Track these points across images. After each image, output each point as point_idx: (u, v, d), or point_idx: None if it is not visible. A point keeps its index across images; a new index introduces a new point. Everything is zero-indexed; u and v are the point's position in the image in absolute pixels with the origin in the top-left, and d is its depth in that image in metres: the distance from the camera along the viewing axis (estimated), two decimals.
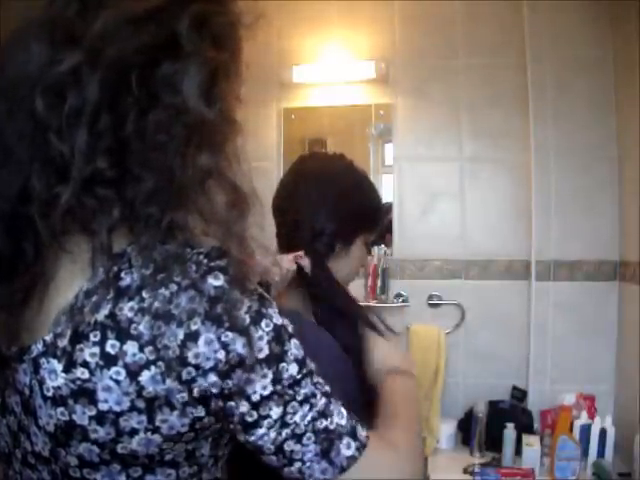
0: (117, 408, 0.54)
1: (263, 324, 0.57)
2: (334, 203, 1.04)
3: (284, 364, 0.58)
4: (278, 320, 0.59)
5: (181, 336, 0.53)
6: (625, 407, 2.09)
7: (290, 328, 0.60)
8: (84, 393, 0.54)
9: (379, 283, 2.36)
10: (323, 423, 0.60)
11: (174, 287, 0.54)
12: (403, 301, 2.38)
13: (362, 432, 0.63)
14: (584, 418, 2.00)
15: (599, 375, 2.21)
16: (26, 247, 0.57)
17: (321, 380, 0.62)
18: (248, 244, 0.59)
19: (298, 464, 0.60)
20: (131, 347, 0.53)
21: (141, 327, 0.53)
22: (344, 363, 0.94)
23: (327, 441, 0.60)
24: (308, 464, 0.60)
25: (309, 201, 1.04)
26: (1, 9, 1.34)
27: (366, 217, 1.10)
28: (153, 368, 0.53)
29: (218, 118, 0.58)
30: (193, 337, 0.53)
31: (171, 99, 0.55)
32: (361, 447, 0.62)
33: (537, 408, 2.18)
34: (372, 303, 2.33)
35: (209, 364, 0.54)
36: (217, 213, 0.58)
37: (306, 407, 0.59)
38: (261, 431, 0.58)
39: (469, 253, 2.35)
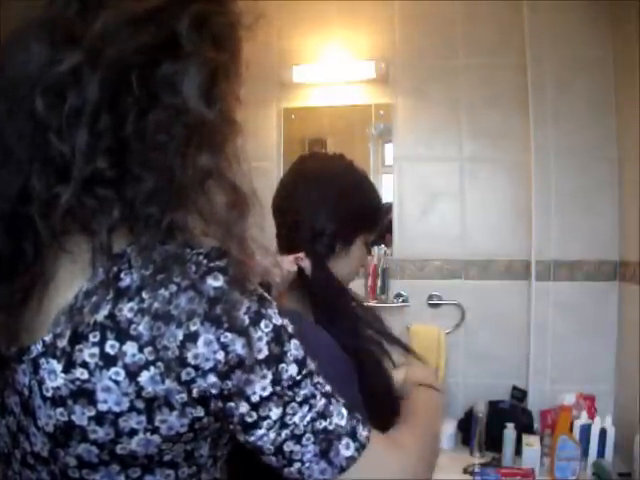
0: (116, 408, 0.54)
1: (262, 325, 0.57)
2: (334, 203, 1.04)
3: (283, 365, 0.58)
4: (278, 321, 0.59)
5: (180, 337, 0.53)
6: (625, 407, 2.09)
7: (290, 328, 0.60)
8: (83, 394, 0.54)
9: (379, 283, 2.36)
10: (322, 424, 0.60)
11: (174, 288, 0.54)
12: (403, 301, 2.38)
13: (362, 432, 0.62)
14: (584, 418, 2.00)
15: (599, 375, 2.21)
16: (26, 247, 0.57)
17: (321, 380, 0.62)
18: (248, 245, 0.59)
19: (297, 464, 0.60)
20: (130, 348, 0.53)
21: (141, 328, 0.53)
22: (344, 363, 0.94)
23: (326, 442, 0.60)
24: (307, 464, 0.60)
25: (309, 201, 1.04)
26: (1, 9, 1.34)
27: (366, 217, 1.10)
28: (152, 369, 0.53)
29: (218, 118, 0.58)
30: (192, 338, 0.53)
31: (171, 99, 0.55)
32: (360, 448, 0.61)
33: (537, 408, 2.18)
34: (372, 303, 2.33)
35: (208, 365, 0.54)
36: (217, 213, 0.58)
37: (305, 408, 0.59)
38: (261, 432, 0.58)
39: (469, 253, 2.35)
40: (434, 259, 2.37)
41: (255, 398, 0.57)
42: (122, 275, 0.55)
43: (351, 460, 0.61)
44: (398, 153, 2.42)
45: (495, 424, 2.05)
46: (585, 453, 1.94)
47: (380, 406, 0.89)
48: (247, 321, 0.56)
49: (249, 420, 0.58)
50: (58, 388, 0.55)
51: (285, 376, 0.58)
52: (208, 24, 0.58)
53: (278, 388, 0.57)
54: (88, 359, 0.54)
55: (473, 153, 2.35)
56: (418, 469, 0.68)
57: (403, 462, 0.66)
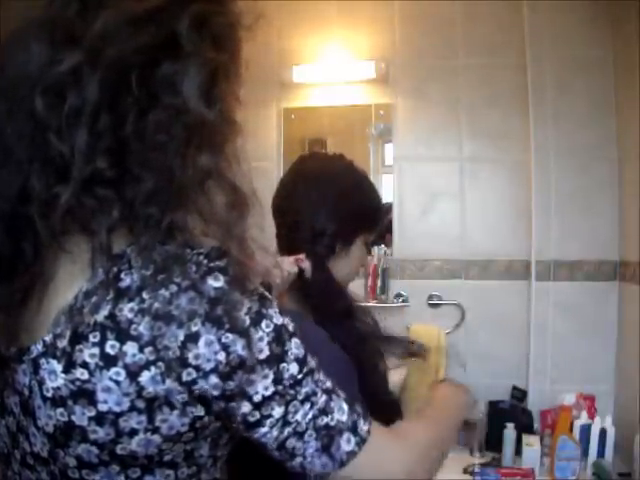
0: (117, 409, 0.54)
1: (263, 325, 0.57)
2: (334, 203, 1.04)
3: (285, 364, 0.58)
4: (278, 320, 0.59)
5: (181, 337, 0.53)
6: (625, 407, 2.08)
7: (291, 327, 0.60)
8: (84, 394, 0.54)
9: (379, 283, 2.36)
10: (324, 420, 0.61)
11: (174, 288, 0.54)
12: (403, 301, 2.38)
13: (363, 427, 0.63)
14: (584, 418, 2.00)
15: (599, 375, 2.21)
16: (25, 247, 0.57)
17: (322, 377, 0.62)
18: (248, 245, 0.59)
19: (299, 459, 0.61)
20: (131, 348, 0.53)
21: (141, 328, 0.53)
22: (345, 363, 0.94)
23: (327, 437, 0.61)
24: (309, 459, 0.61)
25: (309, 201, 1.04)
26: (1, 9, 1.34)
27: (366, 217, 1.10)
28: (153, 368, 0.54)
29: (218, 119, 0.58)
30: (193, 338, 0.53)
31: (171, 99, 0.55)
32: (361, 442, 0.63)
33: (537, 408, 2.17)
34: (372, 303, 2.33)
35: (209, 365, 0.54)
36: (217, 214, 0.58)
37: (307, 405, 0.60)
38: (264, 430, 0.59)
39: (469, 253, 2.35)
40: (434, 259, 2.37)
41: (257, 398, 0.57)
42: (122, 275, 0.55)
43: (351, 454, 0.62)
44: (398, 153, 2.41)
45: (495, 424, 2.05)
46: (585, 453, 1.94)
47: (379, 406, 0.89)
48: (248, 321, 0.56)
49: (252, 419, 0.58)
50: (58, 388, 0.55)
51: (286, 375, 0.58)
52: (208, 24, 0.58)
53: (280, 387, 0.58)
54: (88, 359, 0.54)
55: (473, 153, 2.35)
56: (422, 462, 0.69)
57: (406, 455, 0.67)
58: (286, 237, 1.06)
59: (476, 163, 2.35)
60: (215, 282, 0.55)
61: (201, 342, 0.54)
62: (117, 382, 0.54)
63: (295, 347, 0.60)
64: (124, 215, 0.56)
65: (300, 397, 0.59)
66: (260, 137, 2.39)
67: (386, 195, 2.38)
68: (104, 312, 0.54)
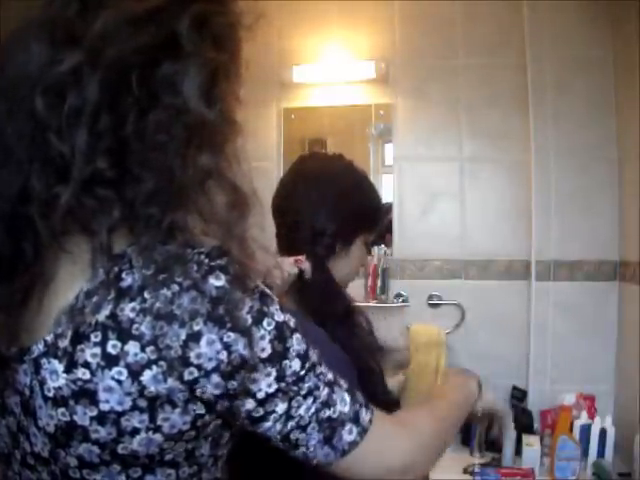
0: (119, 408, 0.54)
1: (265, 323, 0.58)
2: (334, 203, 1.04)
3: (287, 361, 0.59)
4: (280, 317, 0.59)
5: (183, 336, 0.53)
6: (625, 407, 2.08)
7: (292, 323, 0.61)
8: (85, 394, 0.54)
9: (379, 283, 2.36)
10: (326, 413, 0.62)
11: (176, 287, 0.54)
12: (403, 301, 2.38)
13: (365, 417, 0.65)
14: (584, 418, 2.00)
15: (599, 375, 2.21)
16: (26, 247, 0.57)
17: (324, 369, 0.64)
18: (248, 245, 0.59)
19: (302, 449, 0.63)
20: (132, 347, 0.53)
21: (143, 327, 0.53)
22: (345, 364, 0.94)
23: (330, 429, 0.63)
24: (312, 449, 0.63)
25: (309, 201, 1.04)
26: (1, 9, 1.34)
27: (366, 217, 1.10)
28: (155, 367, 0.54)
29: (218, 119, 0.58)
30: (195, 337, 0.54)
31: (171, 99, 0.55)
32: (363, 432, 0.64)
33: (537, 408, 2.18)
34: (372, 303, 2.33)
35: (211, 365, 0.55)
36: (217, 214, 0.58)
37: (310, 400, 0.61)
38: (267, 424, 0.60)
39: (469, 253, 2.35)
40: (434, 259, 2.37)
41: (261, 395, 0.58)
42: (123, 275, 0.56)
43: (353, 444, 0.64)
44: (398, 153, 2.41)
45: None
46: (585, 453, 1.94)
47: (379, 407, 0.89)
48: (250, 320, 0.56)
49: (256, 415, 0.60)
50: (60, 388, 0.55)
51: (289, 372, 0.59)
52: (208, 24, 0.58)
53: (283, 384, 0.59)
54: (90, 359, 0.54)
55: (473, 153, 2.35)
56: (424, 452, 0.71)
57: (407, 444, 0.69)
58: (286, 237, 1.06)
59: (476, 163, 2.35)
60: (216, 281, 0.55)
61: (203, 341, 0.54)
62: (119, 381, 0.54)
63: (297, 343, 0.60)
64: (124, 215, 0.56)
65: (303, 392, 0.61)
66: (260, 137, 2.39)
67: (386, 195, 2.38)
68: (105, 312, 0.54)
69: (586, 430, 1.97)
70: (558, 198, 2.23)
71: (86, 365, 0.54)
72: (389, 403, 1.01)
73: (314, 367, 0.62)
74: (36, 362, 0.57)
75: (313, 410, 0.61)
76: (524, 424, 2.07)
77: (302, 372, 0.60)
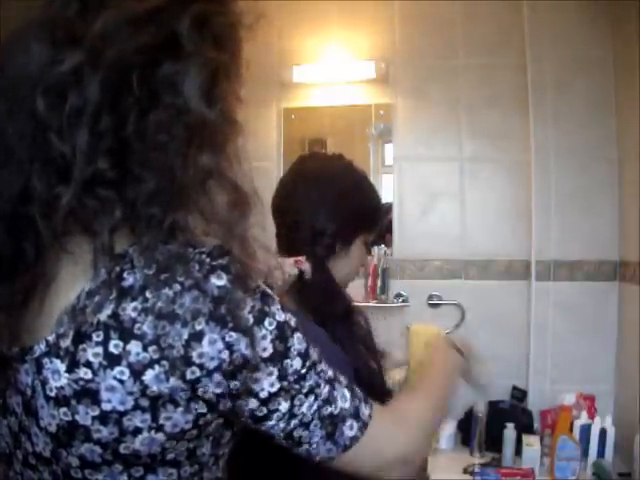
0: (121, 408, 0.54)
1: (266, 323, 0.58)
2: (334, 203, 1.04)
3: (288, 360, 0.60)
4: (281, 317, 0.60)
5: (185, 336, 0.54)
6: (625, 407, 2.09)
7: (293, 322, 0.61)
8: (87, 393, 0.55)
9: (379, 283, 2.36)
10: (328, 410, 0.63)
11: (177, 287, 0.54)
12: (403, 301, 2.38)
13: (365, 412, 0.66)
14: (584, 418, 2.00)
15: (599, 375, 2.21)
16: (27, 248, 0.57)
17: (324, 367, 0.64)
18: (250, 244, 0.59)
19: (306, 446, 0.64)
20: (135, 347, 0.53)
21: (145, 327, 0.53)
22: (345, 364, 0.94)
23: (332, 425, 0.64)
24: (315, 446, 0.64)
25: (309, 201, 1.04)
26: (1, 9, 1.34)
27: (366, 217, 1.10)
28: (157, 367, 0.54)
29: (219, 118, 0.58)
30: (197, 337, 0.54)
31: (172, 99, 0.55)
32: (363, 427, 0.66)
33: (537, 408, 2.18)
34: (372, 303, 2.33)
35: (213, 364, 0.55)
36: (218, 213, 0.58)
37: (312, 397, 0.62)
38: (271, 423, 0.61)
39: (469, 253, 2.35)
40: (434, 259, 2.37)
41: (264, 394, 0.59)
42: (125, 275, 0.56)
43: (355, 439, 0.65)
44: (398, 153, 2.42)
45: (495, 424, 2.05)
46: (585, 453, 1.94)
47: None
48: (251, 320, 0.57)
49: (259, 414, 0.60)
50: (62, 388, 0.55)
51: (290, 371, 0.60)
52: (209, 24, 0.58)
53: (285, 383, 0.60)
54: (92, 359, 0.54)
55: (473, 153, 2.35)
56: (420, 441, 0.73)
57: (404, 437, 0.71)
58: (286, 237, 1.06)
59: (476, 163, 2.35)
60: (218, 280, 0.55)
61: (205, 341, 0.54)
62: (121, 381, 0.54)
63: (298, 342, 0.61)
64: (126, 215, 0.56)
65: (304, 390, 0.61)
66: (260, 137, 2.40)
67: (386, 195, 2.38)
68: (107, 311, 0.54)
69: (586, 430, 1.97)
70: (558, 198, 2.23)
71: (88, 365, 0.54)
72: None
73: (315, 365, 0.63)
74: (38, 362, 0.57)
75: (315, 407, 0.62)
76: (524, 424, 2.07)
77: (303, 370, 0.61)
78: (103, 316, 0.54)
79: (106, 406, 0.54)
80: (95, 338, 0.54)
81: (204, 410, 0.57)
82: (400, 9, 2.37)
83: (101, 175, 0.54)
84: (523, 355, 2.29)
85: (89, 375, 0.54)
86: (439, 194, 2.38)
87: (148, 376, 0.54)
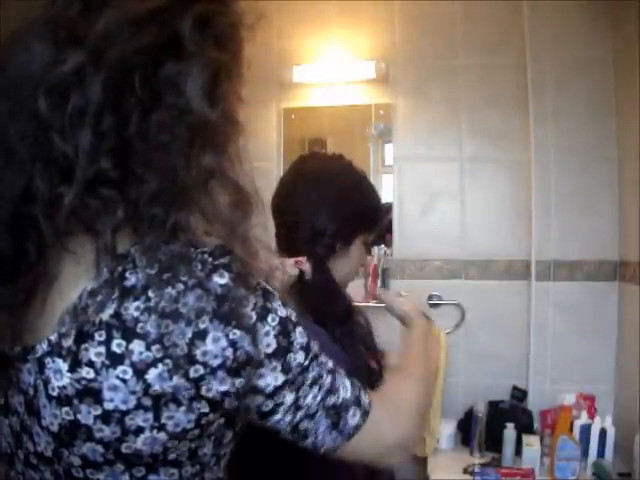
0: (123, 407, 0.55)
1: (269, 319, 0.58)
2: (334, 203, 1.04)
3: (291, 354, 0.61)
4: (283, 312, 0.60)
5: (189, 334, 0.54)
6: (625, 407, 2.09)
7: (294, 317, 0.62)
8: (89, 393, 0.55)
9: (379, 283, 2.36)
10: (331, 399, 0.65)
11: (181, 286, 0.54)
12: None
13: (365, 400, 0.68)
14: (584, 418, 2.00)
15: (599, 375, 2.21)
16: (29, 247, 0.57)
17: (324, 358, 0.65)
18: (252, 244, 0.60)
19: (311, 438, 0.65)
20: (137, 346, 0.54)
21: (147, 326, 0.53)
22: (346, 365, 0.94)
23: (336, 415, 0.65)
24: (320, 437, 0.65)
25: (309, 201, 1.04)
26: (1, 9, 1.34)
27: (366, 217, 1.10)
28: (160, 366, 0.54)
29: (221, 119, 0.58)
30: (201, 335, 0.54)
31: (174, 99, 0.55)
32: (365, 414, 0.67)
33: (537, 408, 2.18)
34: (372, 303, 2.33)
35: (217, 362, 0.55)
36: (220, 213, 0.58)
37: (315, 388, 0.63)
38: (277, 417, 0.62)
39: (469, 253, 2.35)
40: (434, 259, 2.37)
41: (269, 389, 0.60)
42: (127, 274, 0.56)
43: (358, 428, 0.67)
44: (398, 153, 2.42)
45: (495, 424, 2.05)
46: (585, 453, 1.94)
47: None
48: (254, 317, 0.57)
49: (265, 409, 0.61)
50: (64, 387, 0.55)
51: (294, 364, 0.61)
52: (210, 24, 0.58)
53: (289, 376, 0.60)
54: (94, 358, 0.54)
55: (473, 153, 2.35)
56: (413, 424, 0.75)
57: (398, 422, 0.72)
58: (286, 237, 1.06)
59: (476, 163, 2.35)
60: (221, 279, 0.55)
61: (209, 339, 0.54)
62: (124, 380, 0.54)
63: (300, 336, 0.62)
64: (128, 215, 0.56)
65: (308, 382, 0.62)
66: (260, 137, 2.39)
67: (386, 195, 2.38)
68: (109, 311, 0.54)
69: (586, 430, 1.97)
70: (558, 198, 2.23)
71: (90, 364, 0.54)
72: None
73: (316, 357, 0.64)
74: (40, 361, 0.57)
75: (319, 398, 0.63)
76: (524, 424, 2.07)
77: (306, 362, 0.62)
78: (105, 315, 0.54)
79: (108, 405, 0.54)
80: (97, 337, 0.54)
81: (206, 409, 0.57)
82: (400, 9, 2.38)
83: (103, 175, 0.54)
84: (523, 355, 2.29)
85: (91, 374, 0.54)
86: (439, 194, 2.38)
87: (151, 375, 0.54)
